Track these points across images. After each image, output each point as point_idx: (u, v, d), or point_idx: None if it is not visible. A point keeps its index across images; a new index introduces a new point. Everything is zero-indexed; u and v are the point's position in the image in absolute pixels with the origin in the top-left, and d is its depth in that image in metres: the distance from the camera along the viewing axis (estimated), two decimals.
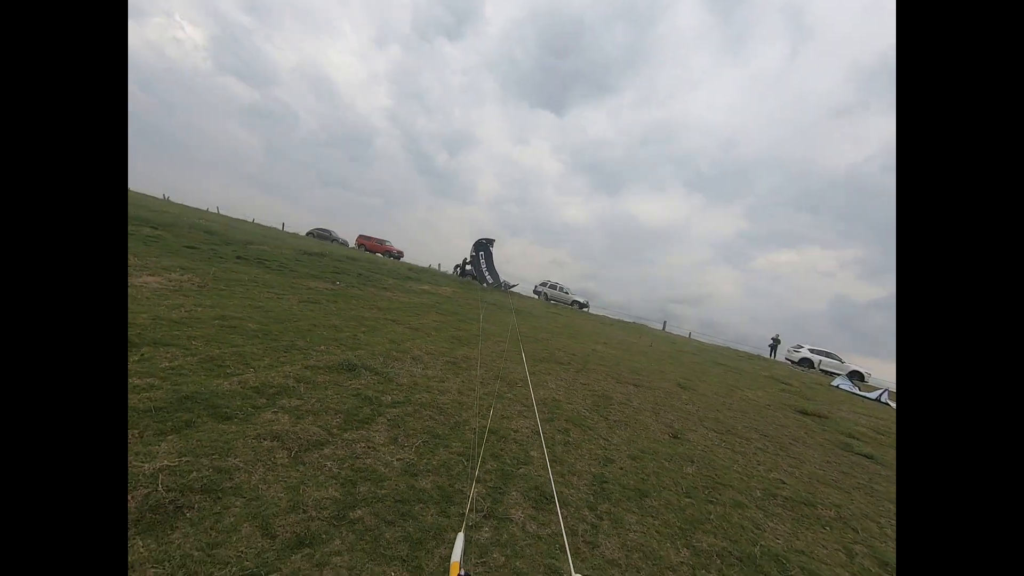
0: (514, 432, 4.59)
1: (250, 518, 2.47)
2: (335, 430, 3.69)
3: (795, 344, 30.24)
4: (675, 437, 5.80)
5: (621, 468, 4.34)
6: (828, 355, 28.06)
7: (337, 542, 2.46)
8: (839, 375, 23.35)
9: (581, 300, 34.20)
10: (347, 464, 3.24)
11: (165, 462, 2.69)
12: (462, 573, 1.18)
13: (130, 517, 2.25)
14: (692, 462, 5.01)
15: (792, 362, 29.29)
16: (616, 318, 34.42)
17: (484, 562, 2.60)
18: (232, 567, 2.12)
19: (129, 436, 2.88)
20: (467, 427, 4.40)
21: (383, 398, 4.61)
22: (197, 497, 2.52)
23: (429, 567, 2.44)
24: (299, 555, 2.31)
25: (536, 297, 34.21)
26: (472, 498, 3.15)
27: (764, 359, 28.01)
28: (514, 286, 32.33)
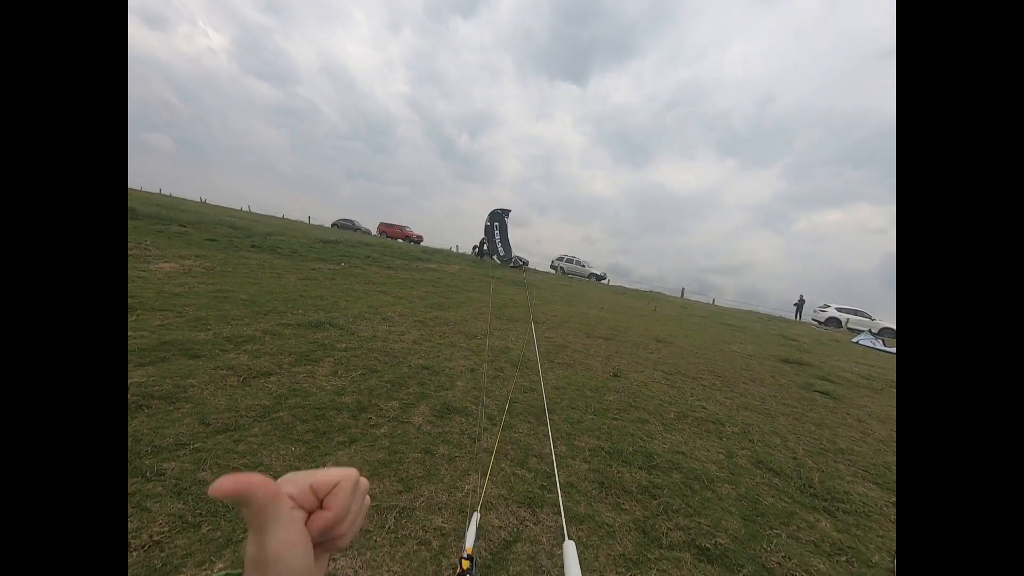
0: (449, 368, 5.30)
1: (193, 414, 3.31)
2: (285, 366, 4.52)
3: (821, 304, 29.27)
4: (615, 376, 6.34)
5: (538, 395, 4.97)
6: (857, 313, 27.08)
7: (256, 430, 3.26)
8: (863, 331, 22.65)
9: (598, 272, 34.31)
10: (285, 387, 4.06)
11: (136, 379, 3.58)
12: (464, 556, 0.99)
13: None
14: (617, 393, 5.56)
15: (818, 322, 28.43)
16: (633, 288, 34.35)
17: (374, 446, 3.32)
18: (170, 439, 2.95)
19: None
20: (405, 365, 5.14)
21: (338, 345, 5.42)
22: (156, 401, 3.38)
23: (323, 448, 3.19)
24: (224, 436, 3.12)
25: (553, 272, 34.63)
26: (485, 487, 3.89)
27: (786, 320, 27.37)
28: (526, 263, 32.82)
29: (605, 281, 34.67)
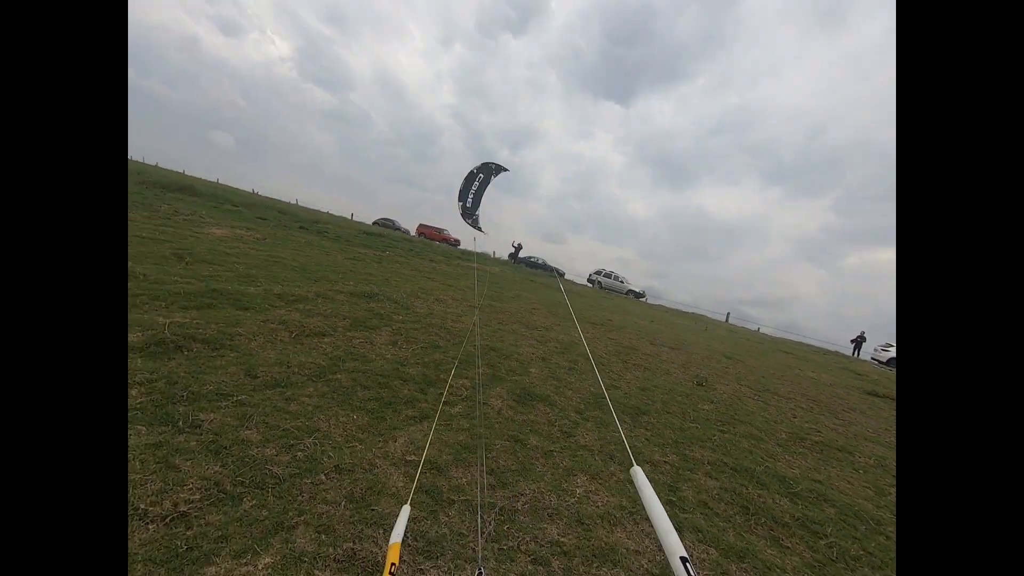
0: (518, 353, 4.58)
1: (238, 364, 2.72)
2: (340, 329, 3.94)
3: (883, 343, 26.88)
4: (699, 385, 5.45)
5: (625, 393, 4.17)
6: None
7: (310, 389, 2.64)
8: None
9: (637, 289, 33.01)
10: (341, 349, 3.45)
11: (178, 319, 3.05)
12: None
13: (134, 348, 2.59)
14: (712, 403, 4.68)
15: (879, 362, 26.07)
16: (675, 308, 32.81)
17: (450, 426, 2.64)
18: (210, 387, 2.36)
19: (154, 307, 3.29)
20: (470, 344, 4.47)
21: (395, 316, 4.82)
22: (198, 345, 2.82)
23: (390, 420, 2.53)
24: (273, 392, 2.51)
25: (589, 285, 33.60)
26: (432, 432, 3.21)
27: (844, 356, 25.25)
28: (562, 274, 31.96)
29: (643, 299, 33.34)
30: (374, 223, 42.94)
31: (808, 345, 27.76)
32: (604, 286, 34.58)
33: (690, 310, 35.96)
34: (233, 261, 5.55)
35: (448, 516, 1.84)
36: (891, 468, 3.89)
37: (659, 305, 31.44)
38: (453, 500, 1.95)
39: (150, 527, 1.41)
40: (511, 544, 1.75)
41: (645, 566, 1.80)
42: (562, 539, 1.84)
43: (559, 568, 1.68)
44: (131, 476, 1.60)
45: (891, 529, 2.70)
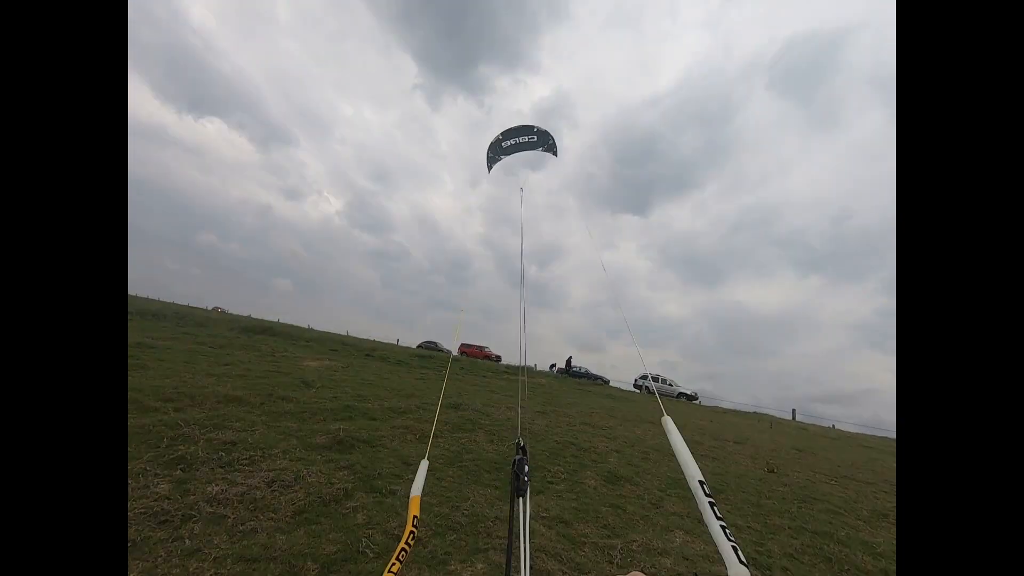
0: (593, 447, 5.14)
1: (394, 455, 3.57)
2: (447, 432, 4.75)
3: None
4: (771, 471, 5.63)
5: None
6: None
7: (450, 472, 3.42)
8: None
9: (689, 392, 31.67)
10: (456, 446, 4.23)
11: (338, 426, 4.00)
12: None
13: (322, 447, 3.51)
14: (785, 486, 4.91)
15: None
16: (732, 409, 30.92)
17: (561, 497, 3.27)
18: (384, 470, 3.20)
19: (318, 419, 4.29)
20: (551, 440, 5.10)
21: (481, 421, 5.59)
22: (361, 444, 3.72)
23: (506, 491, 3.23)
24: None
25: (637, 391, 32.68)
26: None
27: None
28: (606, 381, 31.63)
29: (697, 401, 31.79)
30: (418, 346, 45.08)
31: (892, 440, 24.94)
32: (651, 391, 33.41)
33: (750, 409, 33.63)
34: (341, 385, 6.66)
35: (584, 552, 2.47)
36: None
37: (714, 406, 29.86)
38: (584, 542, 2.57)
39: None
40: (633, 567, 2.34)
41: None
42: (674, 567, 2.40)
43: None
44: (392, 527, 2.41)
45: None
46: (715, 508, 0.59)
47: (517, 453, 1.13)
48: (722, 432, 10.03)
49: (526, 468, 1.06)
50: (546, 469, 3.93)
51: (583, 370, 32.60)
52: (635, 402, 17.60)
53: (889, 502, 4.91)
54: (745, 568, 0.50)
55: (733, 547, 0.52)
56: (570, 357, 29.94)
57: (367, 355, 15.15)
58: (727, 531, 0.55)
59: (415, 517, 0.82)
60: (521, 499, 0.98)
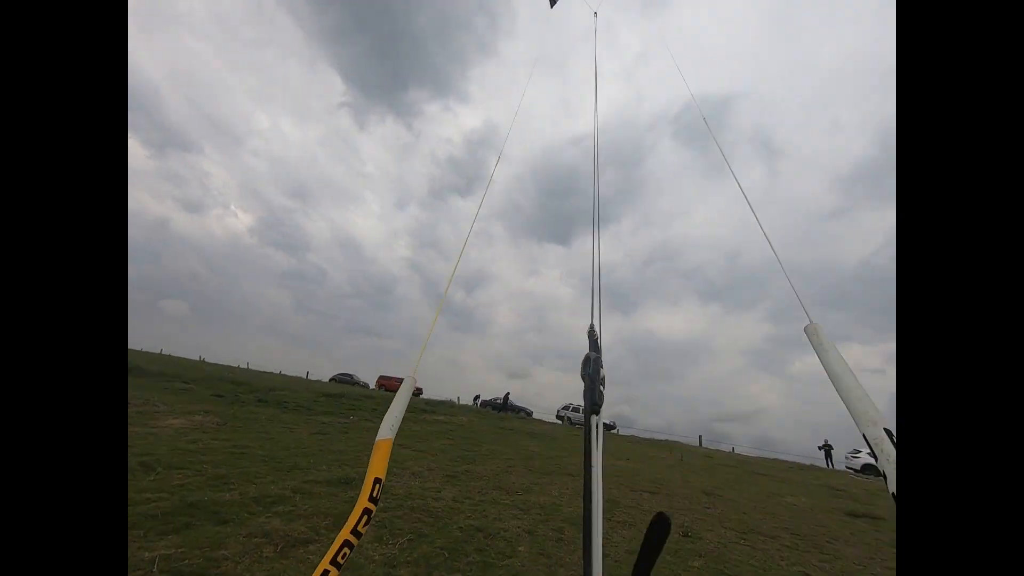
0: (503, 530, 4.55)
1: None
2: (323, 530, 3.86)
3: (852, 449, 27.30)
4: (685, 536, 5.45)
5: (615, 560, 4.18)
6: None
7: None
8: None
9: (608, 422, 32.66)
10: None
11: (162, 551, 2.98)
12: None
13: None
14: (700, 556, 4.70)
15: (854, 470, 26.06)
16: (647, 438, 32.24)
17: None
18: None
19: (133, 535, 3.21)
20: (454, 527, 4.42)
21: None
22: None
23: None
24: None
25: (559, 422, 32.84)
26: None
27: (820, 469, 25.09)
28: (529, 413, 31.66)
29: (615, 431, 32.79)
30: (331, 379, 41.43)
31: (783, 461, 27.59)
32: (574, 421, 33.88)
33: (662, 437, 35.35)
34: (200, 461, 5.38)
35: None
36: None
37: (631, 435, 30.90)
38: None
39: None
40: None
41: None
42: None
43: None
44: None
45: None
46: None
47: (591, 348, 0.97)
48: (637, 475, 10.00)
49: (602, 373, 0.94)
50: None
51: (504, 402, 32.54)
52: (556, 439, 17.37)
53: (795, 564, 4.92)
54: None
55: None
56: (507, 393, 31.39)
57: (259, 400, 13.23)
58: None
59: (377, 482, 0.63)
60: (595, 416, 0.86)
